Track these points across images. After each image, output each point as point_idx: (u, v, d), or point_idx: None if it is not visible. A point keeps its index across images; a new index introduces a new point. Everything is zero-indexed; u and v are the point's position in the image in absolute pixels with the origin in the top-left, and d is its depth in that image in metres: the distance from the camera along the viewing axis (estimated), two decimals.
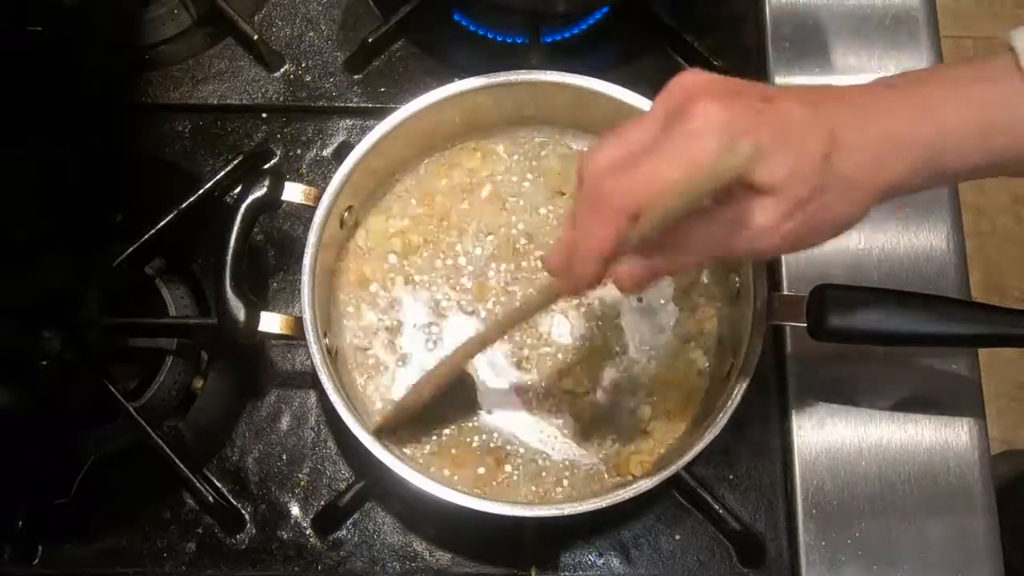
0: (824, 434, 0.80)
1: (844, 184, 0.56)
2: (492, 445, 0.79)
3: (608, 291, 0.82)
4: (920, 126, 0.57)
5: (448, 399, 0.78)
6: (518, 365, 0.81)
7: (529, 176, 0.86)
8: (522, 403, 0.80)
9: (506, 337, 0.81)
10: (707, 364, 0.80)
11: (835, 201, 0.56)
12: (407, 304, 0.82)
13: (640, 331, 0.82)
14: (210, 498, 0.78)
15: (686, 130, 0.53)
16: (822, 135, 0.54)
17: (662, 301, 0.82)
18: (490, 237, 0.84)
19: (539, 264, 0.83)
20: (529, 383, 0.80)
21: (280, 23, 0.93)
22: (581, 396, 0.80)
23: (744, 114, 0.53)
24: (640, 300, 0.82)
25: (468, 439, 0.79)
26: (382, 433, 0.75)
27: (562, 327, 0.82)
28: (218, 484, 0.81)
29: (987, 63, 0.58)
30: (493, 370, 0.80)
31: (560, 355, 0.81)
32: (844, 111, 0.56)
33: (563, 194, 0.85)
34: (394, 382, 0.80)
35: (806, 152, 0.54)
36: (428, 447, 0.78)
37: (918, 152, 0.57)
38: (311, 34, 0.93)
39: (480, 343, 0.74)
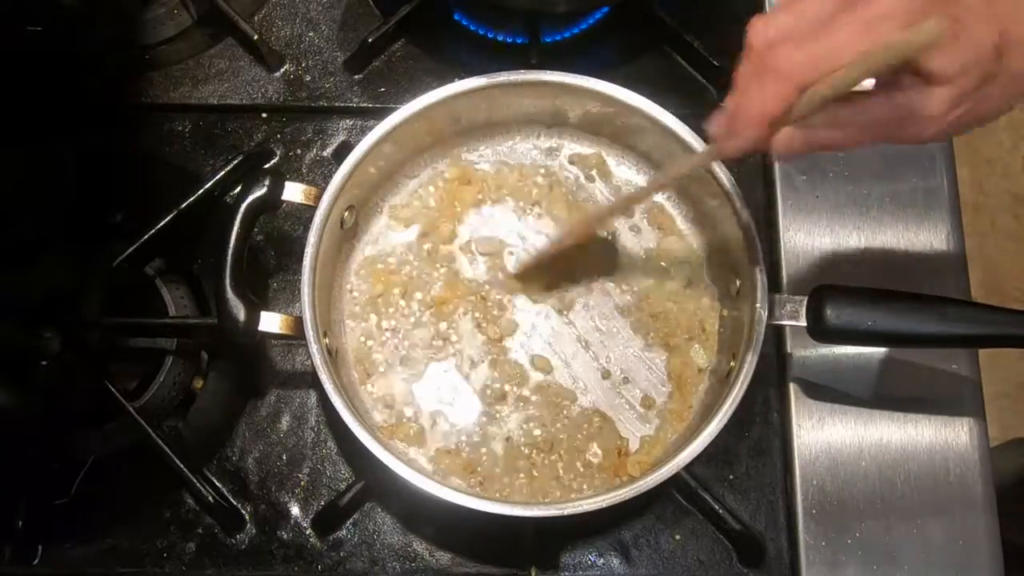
0: (824, 434, 0.80)
1: (1008, 79, 0.57)
2: (493, 441, 0.79)
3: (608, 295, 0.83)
4: None
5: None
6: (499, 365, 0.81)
7: (529, 175, 0.86)
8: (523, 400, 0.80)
9: (503, 342, 0.81)
10: (708, 363, 0.80)
11: (995, 95, 0.57)
12: (409, 303, 0.82)
13: (642, 330, 0.82)
14: (210, 498, 0.78)
15: (870, 12, 0.54)
16: (995, 28, 0.55)
17: (670, 303, 0.82)
18: (492, 236, 0.84)
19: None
20: (530, 382, 0.80)
21: (280, 23, 0.93)
22: (582, 396, 0.80)
23: (926, 1, 0.54)
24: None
25: (463, 439, 0.79)
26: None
27: (566, 327, 0.82)
28: (218, 484, 0.81)
29: None
30: (491, 367, 0.81)
31: (561, 354, 0.81)
32: (1018, 6, 0.57)
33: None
34: (395, 382, 0.80)
35: (980, 45, 0.55)
36: (427, 451, 0.79)
37: None
38: (311, 34, 0.93)
39: (632, 199, 0.77)
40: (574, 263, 0.83)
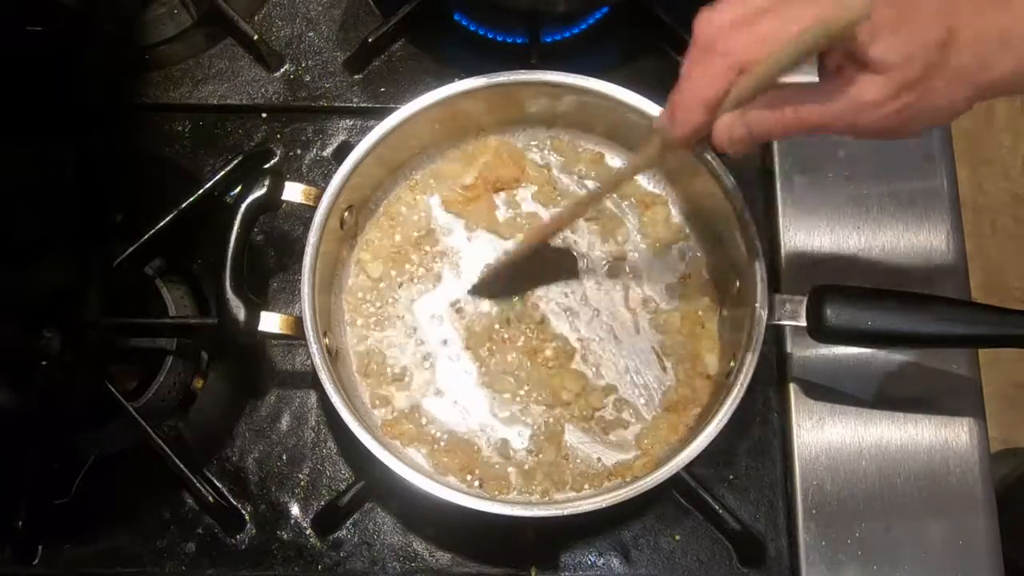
0: (824, 434, 0.80)
1: (953, 74, 0.57)
2: (491, 441, 0.79)
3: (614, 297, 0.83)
4: None
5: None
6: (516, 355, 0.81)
7: (529, 175, 0.86)
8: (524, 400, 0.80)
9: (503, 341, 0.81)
10: (717, 368, 0.80)
11: (942, 89, 0.57)
12: (409, 302, 0.82)
13: (650, 333, 0.82)
14: (210, 498, 0.78)
15: None
16: (941, 24, 0.55)
17: (671, 302, 0.82)
18: (490, 235, 0.84)
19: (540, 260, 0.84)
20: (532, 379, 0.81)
21: (280, 23, 0.93)
22: (584, 396, 0.80)
23: None
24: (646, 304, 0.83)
25: (462, 438, 0.79)
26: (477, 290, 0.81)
27: (571, 324, 0.82)
28: (218, 484, 0.81)
29: None
30: (492, 370, 0.81)
31: (565, 354, 0.81)
32: (966, 2, 0.57)
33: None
34: (395, 382, 0.80)
35: (924, 37, 0.55)
36: (427, 450, 0.79)
37: None
38: (311, 34, 0.93)
39: (587, 201, 0.77)
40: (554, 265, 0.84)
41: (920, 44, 0.55)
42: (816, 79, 0.59)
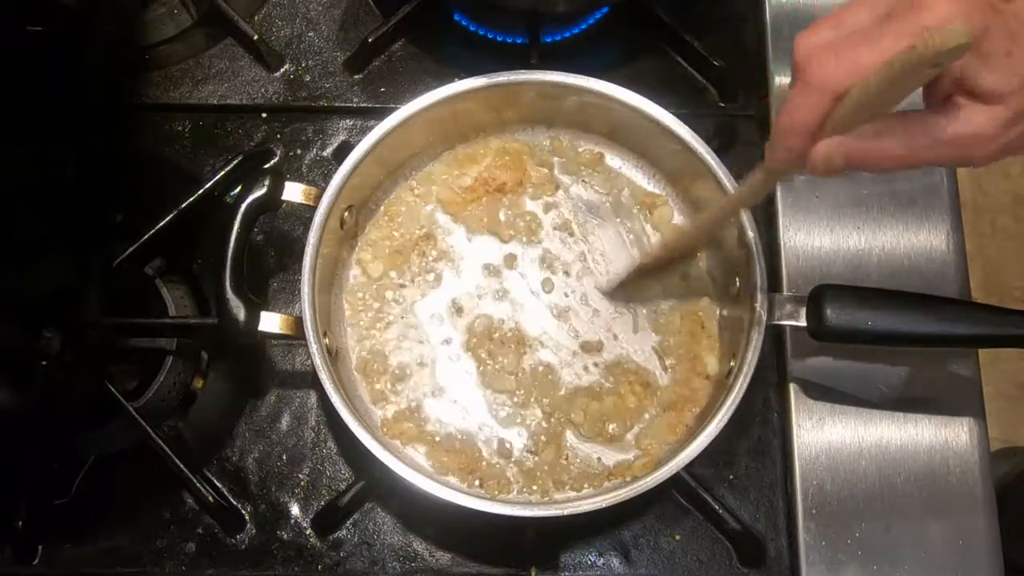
0: (824, 434, 0.80)
1: None
2: (491, 441, 0.79)
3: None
4: None
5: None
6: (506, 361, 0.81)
7: (529, 176, 0.86)
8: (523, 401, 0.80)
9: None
10: (716, 368, 0.80)
11: None
12: (409, 302, 0.82)
13: (650, 333, 0.82)
14: (210, 498, 0.78)
15: (916, 22, 0.52)
16: None
17: (671, 302, 0.83)
18: (490, 236, 0.84)
19: (540, 256, 0.84)
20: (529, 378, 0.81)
21: (280, 23, 0.93)
22: (584, 395, 0.80)
23: (978, 13, 0.52)
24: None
25: (463, 438, 0.79)
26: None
27: (571, 323, 0.82)
28: (218, 484, 0.81)
29: None
30: (491, 369, 0.81)
31: (565, 352, 0.81)
32: None
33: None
34: (396, 382, 0.80)
35: None
36: (427, 450, 0.79)
37: None
38: (311, 34, 0.93)
39: (707, 225, 0.78)
40: None
41: None
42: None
